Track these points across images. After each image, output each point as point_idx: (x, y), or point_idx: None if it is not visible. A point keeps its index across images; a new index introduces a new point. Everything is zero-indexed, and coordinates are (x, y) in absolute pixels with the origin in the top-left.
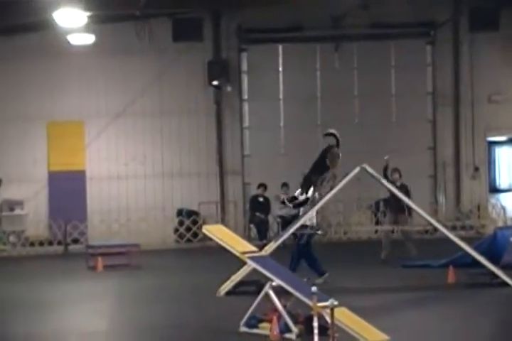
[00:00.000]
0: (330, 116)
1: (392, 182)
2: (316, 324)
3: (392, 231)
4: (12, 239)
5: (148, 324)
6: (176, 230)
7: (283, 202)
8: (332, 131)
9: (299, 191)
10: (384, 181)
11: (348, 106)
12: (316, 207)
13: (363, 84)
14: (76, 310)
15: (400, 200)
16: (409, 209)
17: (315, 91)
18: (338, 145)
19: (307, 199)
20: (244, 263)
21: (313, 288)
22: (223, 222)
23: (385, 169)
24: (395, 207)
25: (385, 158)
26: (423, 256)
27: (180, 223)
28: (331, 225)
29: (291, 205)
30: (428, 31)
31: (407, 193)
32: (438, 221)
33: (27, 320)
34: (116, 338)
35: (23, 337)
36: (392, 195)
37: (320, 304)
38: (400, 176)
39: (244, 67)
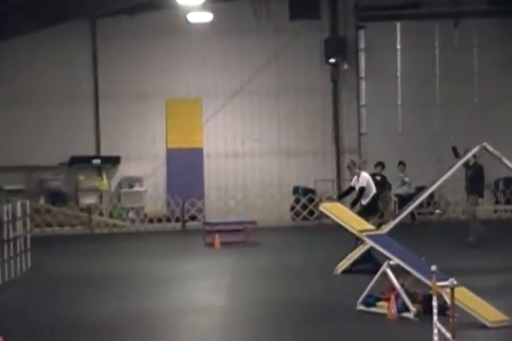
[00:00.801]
0: (448, 95)
1: (466, 163)
2: (435, 303)
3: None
4: (131, 215)
5: (264, 300)
6: (292, 208)
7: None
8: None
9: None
10: (505, 160)
11: (468, 84)
12: (432, 188)
13: (483, 61)
14: (193, 286)
15: (470, 180)
16: (481, 190)
17: (433, 69)
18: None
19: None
20: (361, 242)
21: (433, 267)
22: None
23: (455, 149)
24: (467, 187)
25: (451, 138)
26: None
27: (297, 201)
28: (449, 204)
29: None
30: None
31: (480, 173)
32: None
33: (145, 295)
34: (232, 313)
35: (142, 312)
36: (466, 175)
37: (439, 283)
38: (474, 156)
39: (362, 44)
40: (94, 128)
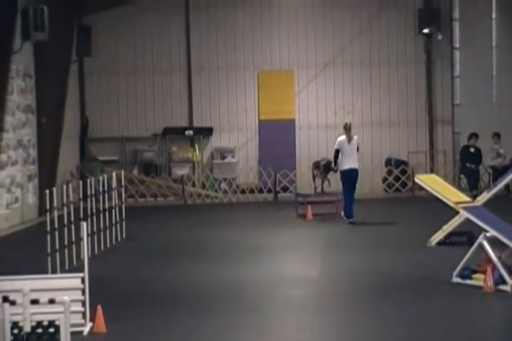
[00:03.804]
0: None
1: None
2: None
3: None
4: (223, 186)
5: (358, 272)
6: (385, 180)
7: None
8: None
9: None
10: None
11: None
12: None
13: None
14: (286, 257)
15: None
16: None
17: None
18: None
19: None
20: (455, 214)
21: None
22: (432, 171)
23: None
24: None
25: None
26: None
27: (389, 172)
28: None
29: None
30: None
31: None
32: None
33: (238, 265)
34: (326, 285)
35: (234, 282)
36: None
37: None
38: None
39: (456, 14)
40: (187, 99)
